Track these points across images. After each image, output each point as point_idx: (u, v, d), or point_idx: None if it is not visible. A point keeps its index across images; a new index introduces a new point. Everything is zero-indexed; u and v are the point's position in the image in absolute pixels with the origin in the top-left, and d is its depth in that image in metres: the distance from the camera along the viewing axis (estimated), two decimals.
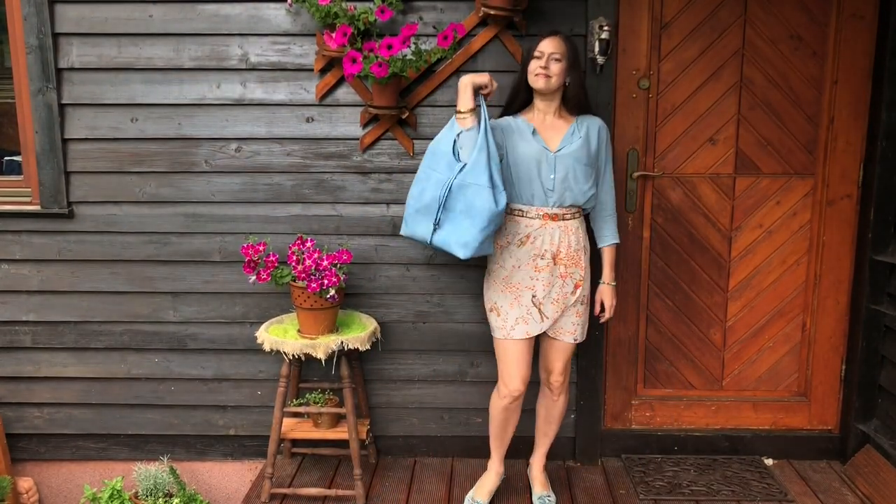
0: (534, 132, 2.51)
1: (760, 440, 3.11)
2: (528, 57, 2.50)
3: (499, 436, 2.72)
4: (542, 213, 2.51)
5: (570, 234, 2.53)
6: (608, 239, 2.66)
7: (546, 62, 2.44)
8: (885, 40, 2.81)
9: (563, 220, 2.53)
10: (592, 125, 2.57)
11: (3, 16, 2.94)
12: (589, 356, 3.00)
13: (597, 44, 2.73)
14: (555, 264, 2.52)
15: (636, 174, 2.97)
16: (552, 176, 2.48)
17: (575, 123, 2.55)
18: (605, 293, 2.68)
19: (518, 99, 2.58)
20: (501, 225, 2.53)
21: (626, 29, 2.90)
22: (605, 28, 2.71)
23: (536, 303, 2.53)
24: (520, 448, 2.92)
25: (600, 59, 2.75)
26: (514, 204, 2.54)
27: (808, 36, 2.90)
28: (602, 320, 2.74)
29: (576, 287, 2.57)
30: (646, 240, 3.04)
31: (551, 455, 3.05)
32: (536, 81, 2.47)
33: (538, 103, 2.55)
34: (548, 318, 2.55)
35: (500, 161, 2.49)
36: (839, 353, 3.09)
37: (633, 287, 3.07)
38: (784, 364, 3.12)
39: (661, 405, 3.15)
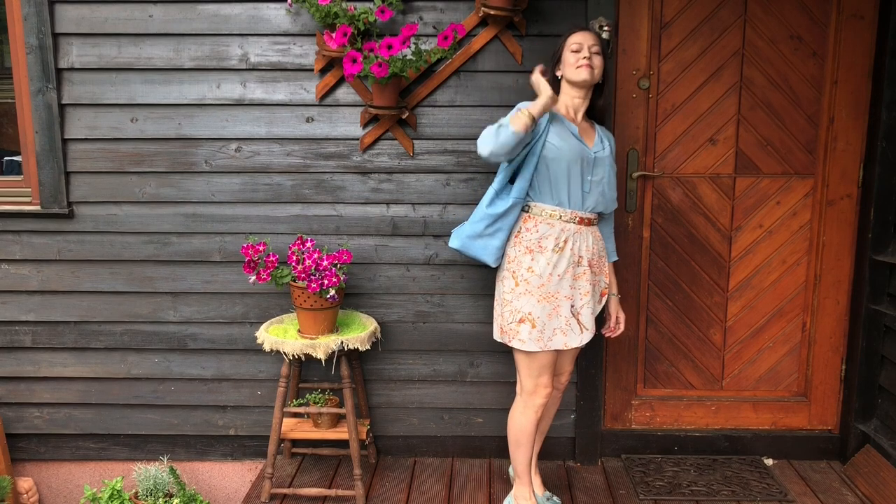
0: (576, 132, 2.42)
1: (760, 440, 3.11)
2: (558, 53, 2.43)
3: (531, 456, 2.57)
4: (577, 217, 2.42)
5: (598, 241, 2.50)
6: (613, 255, 2.65)
7: (589, 54, 2.37)
8: (885, 40, 2.81)
9: (593, 224, 2.48)
10: (608, 136, 2.54)
11: (3, 16, 2.94)
12: (589, 356, 3.00)
13: None
14: (591, 272, 2.45)
15: (636, 174, 2.97)
16: (590, 178, 2.42)
17: (598, 130, 2.52)
18: (619, 305, 2.67)
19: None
20: (531, 229, 2.41)
21: (626, 29, 2.90)
22: (605, 28, 2.70)
23: (574, 313, 2.43)
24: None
25: None
26: (544, 204, 2.41)
27: (808, 36, 2.90)
28: (614, 335, 2.70)
29: (602, 295, 2.55)
30: (646, 240, 3.04)
31: (551, 455, 3.07)
32: (580, 73, 2.36)
33: (571, 100, 2.45)
34: (587, 329, 2.46)
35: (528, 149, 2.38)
36: (839, 353, 3.09)
37: (633, 287, 3.07)
38: (784, 364, 3.12)
39: (661, 405, 3.15)
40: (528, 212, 2.44)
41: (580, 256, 2.42)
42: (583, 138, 2.44)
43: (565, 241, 2.39)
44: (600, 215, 2.55)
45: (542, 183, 2.39)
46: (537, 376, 2.46)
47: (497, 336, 2.52)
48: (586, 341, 2.47)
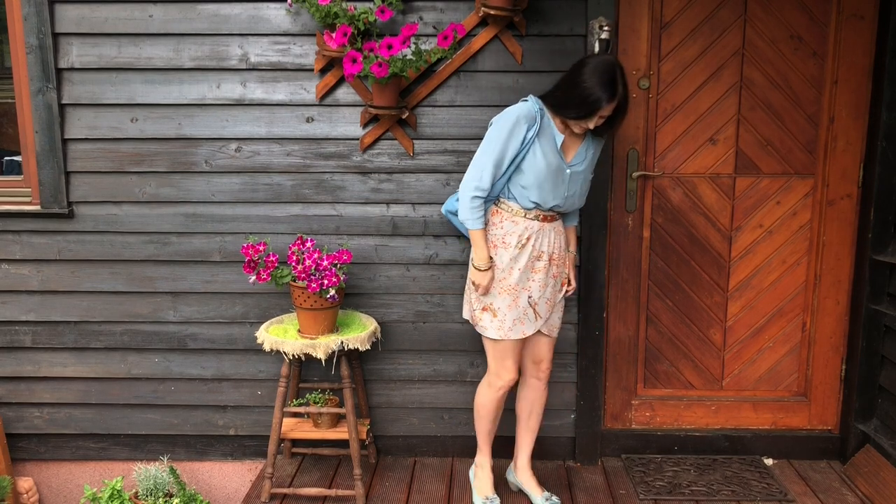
0: (559, 147, 2.44)
1: (760, 440, 3.11)
2: (586, 105, 2.32)
3: (491, 430, 2.74)
4: (541, 215, 2.51)
5: (560, 235, 2.59)
6: (575, 221, 2.74)
7: (595, 122, 2.38)
8: (885, 40, 2.81)
9: (555, 220, 2.57)
10: (596, 142, 2.55)
11: (3, 16, 2.94)
12: (589, 356, 3.00)
13: (597, 44, 2.73)
14: (549, 265, 2.55)
15: (636, 174, 2.97)
16: (565, 193, 2.50)
17: (587, 139, 2.52)
18: (572, 261, 2.74)
19: (553, 100, 2.44)
20: (497, 224, 2.51)
21: (626, 29, 2.90)
22: (605, 28, 2.71)
23: (532, 303, 2.54)
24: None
25: None
26: (512, 203, 2.50)
27: (808, 36, 2.90)
28: (568, 294, 2.70)
29: (562, 286, 2.65)
30: (646, 240, 3.04)
31: (551, 455, 3.07)
32: (575, 126, 2.41)
33: (568, 123, 2.45)
34: (541, 317, 2.58)
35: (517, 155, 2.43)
36: (839, 353, 3.09)
37: (633, 287, 3.07)
38: (784, 364, 3.12)
39: (661, 405, 3.15)
40: (496, 205, 2.54)
41: (541, 252, 2.53)
42: (565, 151, 2.48)
43: (528, 239, 2.50)
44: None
45: (514, 188, 2.49)
46: (501, 360, 2.59)
47: (466, 316, 2.66)
48: (540, 327, 2.59)
